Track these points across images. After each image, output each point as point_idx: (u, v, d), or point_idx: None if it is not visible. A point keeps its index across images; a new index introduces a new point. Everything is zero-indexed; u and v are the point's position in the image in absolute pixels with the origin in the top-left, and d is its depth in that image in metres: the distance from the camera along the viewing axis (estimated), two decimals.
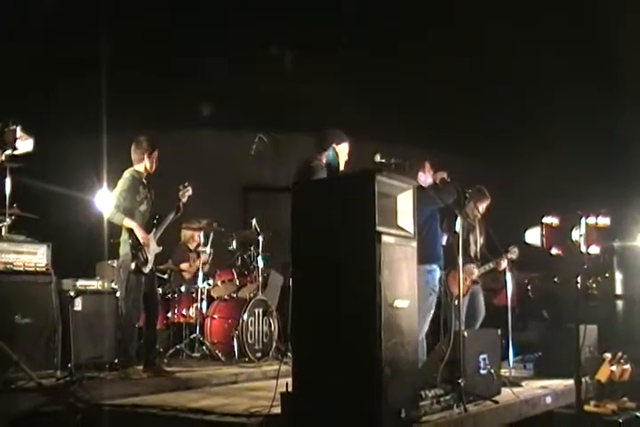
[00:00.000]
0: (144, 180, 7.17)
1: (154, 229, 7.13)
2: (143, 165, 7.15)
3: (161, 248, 7.26)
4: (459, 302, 6.94)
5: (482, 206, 7.97)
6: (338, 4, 10.69)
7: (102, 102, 9.18)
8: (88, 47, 9.65)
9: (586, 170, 10.45)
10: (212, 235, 9.10)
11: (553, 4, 10.41)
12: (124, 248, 7.01)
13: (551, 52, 10.89)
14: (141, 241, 6.94)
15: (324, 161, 6.09)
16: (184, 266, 9.22)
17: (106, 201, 7.16)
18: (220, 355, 8.27)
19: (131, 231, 6.96)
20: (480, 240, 8.09)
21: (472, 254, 7.97)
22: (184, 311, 8.71)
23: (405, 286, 4.91)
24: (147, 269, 6.98)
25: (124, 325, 7.04)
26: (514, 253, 7.87)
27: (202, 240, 9.11)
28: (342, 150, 6.25)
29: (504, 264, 7.87)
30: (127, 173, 7.10)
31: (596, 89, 10.70)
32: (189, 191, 7.32)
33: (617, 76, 10.72)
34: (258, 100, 11.50)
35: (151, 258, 7.03)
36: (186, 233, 9.43)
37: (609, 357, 7.15)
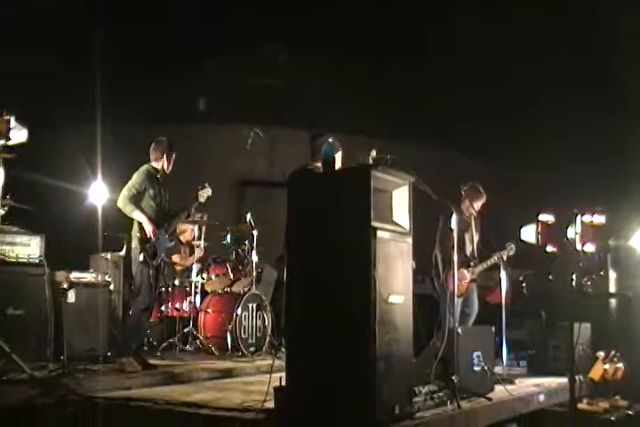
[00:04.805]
0: (159, 177, 7.29)
1: (165, 225, 7.23)
2: (160, 163, 7.29)
3: (173, 243, 7.46)
4: (452, 299, 6.94)
5: (477, 204, 7.91)
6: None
7: (97, 95, 9.16)
8: (84, 38, 9.62)
9: (582, 168, 10.46)
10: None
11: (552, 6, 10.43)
12: (134, 242, 7.11)
13: (550, 53, 10.91)
14: (148, 235, 7.02)
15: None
16: (175, 258, 9.19)
17: (120, 193, 7.20)
18: (213, 349, 8.25)
19: (140, 225, 7.06)
20: (476, 238, 8.05)
21: (468, 253, 7.94)
22: (177, 305, 8.69)
23: (400, 281, 4.90)
24: (154, 263, 7.06)
25: (132, 316, 7.14)
26: (511, 249, 7.84)
27: (196, 234, 9.09)
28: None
29: (504, 259, 7.86)
30: (143, 168, 7.24)
31: (594, 89, 10.72)
32: (209, 192, 7.51)
33: (614, 75, 10.72)
34: (253, 95, 11.48)
35: (160, 252, 7.12)
36: (179, 226, 9.39)
37: (602, 355, 7.16)
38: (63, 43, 9.78)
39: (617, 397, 6.90)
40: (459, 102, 11.42)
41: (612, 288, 8.48)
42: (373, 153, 5.63)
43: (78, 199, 8.76)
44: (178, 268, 9.16)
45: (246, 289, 8.83)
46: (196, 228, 9.11)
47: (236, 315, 8.30)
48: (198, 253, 8.98)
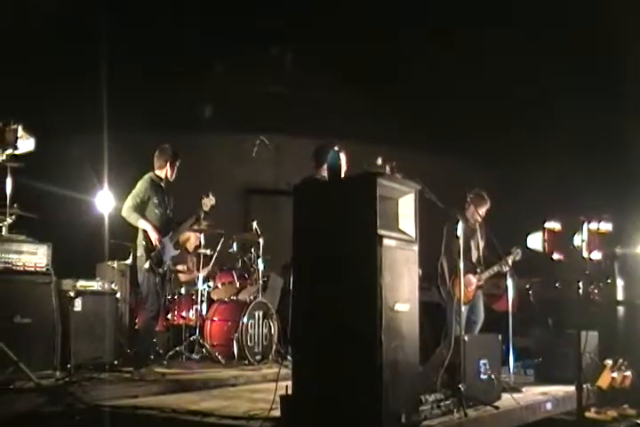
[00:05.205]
0: (162, 185, 7.39)
1: (170, 233, 7.30)
2: (164, 171, 7.39)
3: (178, 252, 7.56)
4: (459, 306, 6.92)
5: (482, 210, 7.92)
6: (340, 7, 10.71)
7: (104, 104, 9.19)
8: (89, 48, 9.66)
9: (588, 176, 10.44)
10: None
11: (554, 11, 10.44)
12: (139, 250, 7.20)
13: (553, 60, 10.92)
14: (154, 243, 7.10)
15: (325, 173, 6.02)
16: (180, 267, 9.18)
17: (123, 201, 7.33)
18: (219, 357, 8.23)
19: (145, 233, 7.15)
20: (481, 244, 8.05)
21: (474, 260, 7.94)
22: (184, 313, 8.68)
23: (406, 289, 4.90)
24: (160, 270, 7.16)
25: (144, 326, 7.26)
26: (517, 254, 7.85)
27: (202, 242, 9.09)
28: None
29: (510, 264, 7.84)
30: (146, 176, 7.35)
31: (598, 96, 10.71)
32: (213, 201, 7.59)
33: (618, 84, 10.73)
34: (259, 103, 11.50)
35: (166, 260, 7.23)
36: (184, 235, 9.38)
37: (610, 363, 7.12)
38: (70, 51, 9.83)
39: (625, 405, 6.84)
40: (465, 109, 11.42)
41: (620, 296, 8.45)
42: (379, 161, 5.64)
43: (85, 208, 8.79)
44: (182, 278, 9.14)
45: (252, 297, 8.81)
46: (202, 236, 9.11)
47: (243, 323, 8.29)
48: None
